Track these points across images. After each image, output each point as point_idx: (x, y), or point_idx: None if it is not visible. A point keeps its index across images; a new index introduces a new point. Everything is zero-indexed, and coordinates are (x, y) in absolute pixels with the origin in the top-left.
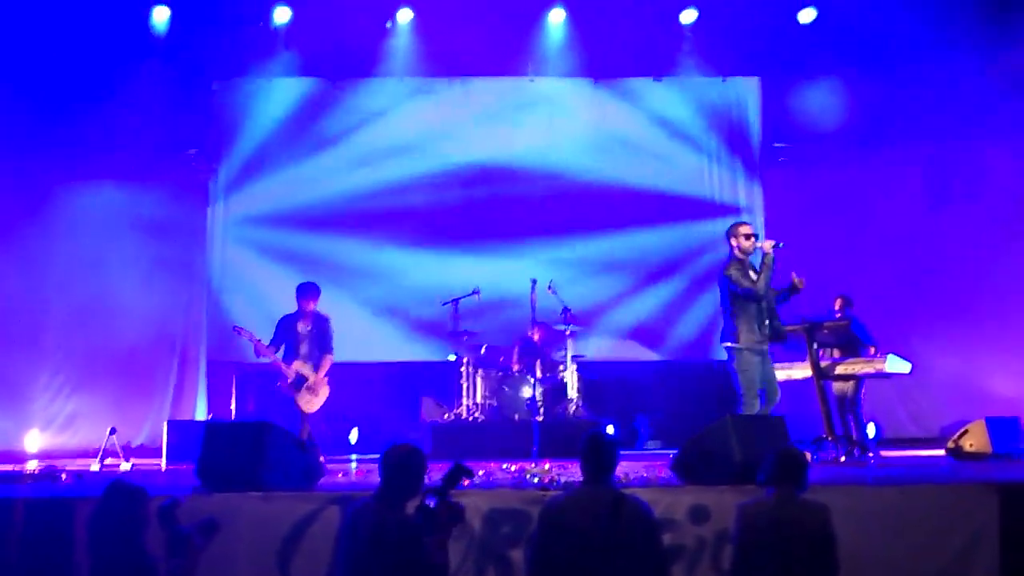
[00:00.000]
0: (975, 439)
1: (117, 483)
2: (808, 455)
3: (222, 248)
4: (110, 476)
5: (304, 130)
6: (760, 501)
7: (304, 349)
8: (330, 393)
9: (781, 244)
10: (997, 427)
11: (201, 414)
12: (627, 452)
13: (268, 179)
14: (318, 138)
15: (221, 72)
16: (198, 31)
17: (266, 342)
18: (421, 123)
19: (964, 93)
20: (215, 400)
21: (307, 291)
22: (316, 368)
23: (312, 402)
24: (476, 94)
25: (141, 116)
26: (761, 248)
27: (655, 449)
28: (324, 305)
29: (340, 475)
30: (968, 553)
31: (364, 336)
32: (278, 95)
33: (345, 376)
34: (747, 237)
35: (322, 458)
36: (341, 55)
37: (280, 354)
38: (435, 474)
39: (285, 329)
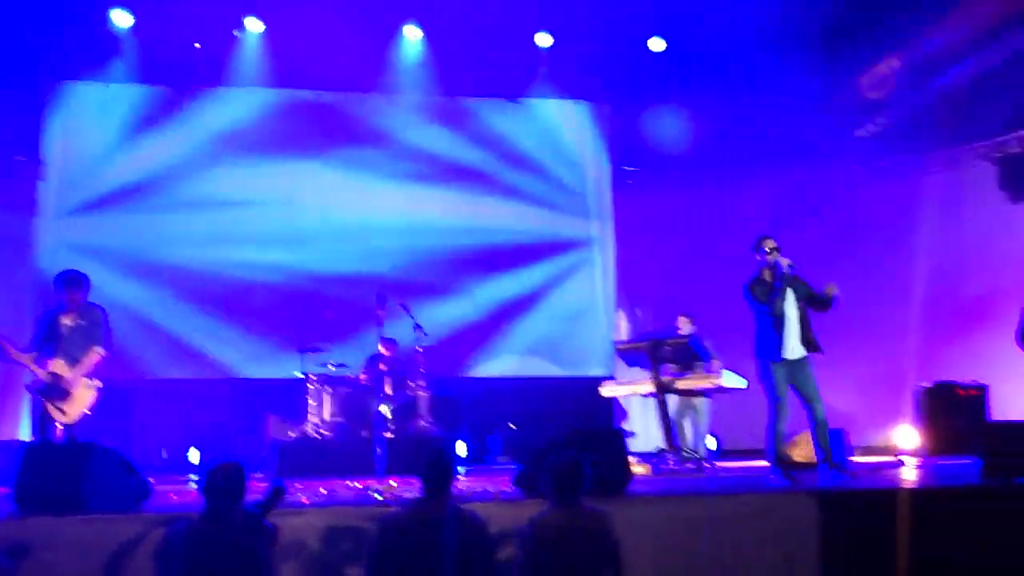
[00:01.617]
0: (802, 449)
1: None
2: (648, 467)
3: (51, 259)
4: None
5: (143, 138)
6: (546, 513)
7: (67, 346)
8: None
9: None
10: None
11: (25, 434)
12: (477, 467)
13: (103, 186)
14: (158, 147)
15: (55, 74)
16: (30, 30)
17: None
18: (266, 135)
19: (801, 119)
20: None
21: (71, 281)
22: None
23: (69, 409)
24: (326, 108)
25: None
26: (779, 263)
27: (505, 465)
28: (167, 319)
29: (172, 495)
30: (791, 558)
31: (206, 352)
32: (116, 101)
33: (187, 393)
34: (771, 251)
35: (153, 480)
36: (185, 63)
37: (30, 357)
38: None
39: (45, 325)
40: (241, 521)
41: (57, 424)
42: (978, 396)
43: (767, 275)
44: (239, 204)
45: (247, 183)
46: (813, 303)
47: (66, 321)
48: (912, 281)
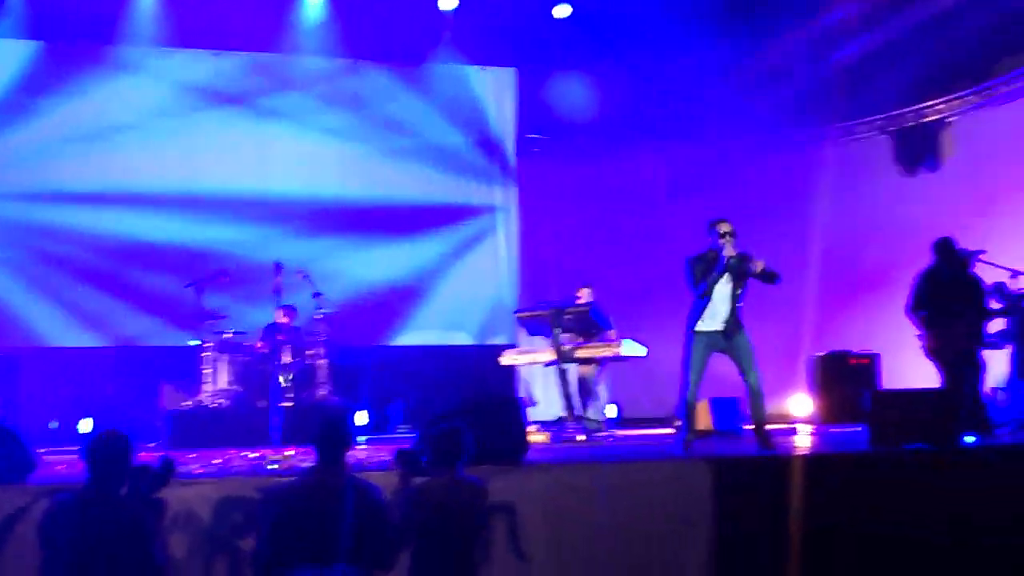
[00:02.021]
0: (700, 418)
1: None
2: (547, 436)
3: None
4: None
5: (27, 97)
6: (426, 482)
7: None
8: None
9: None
10: (719, 407)
11: None
12: (378, 437)
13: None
14: (43, 105)
15: None
16: None
17: None
18: (163, 96)
19: (707, 90)
20: None
21: None
22: None
23: None
24: (227, 68)
25: None
26: (723, 252)
27: (406, 434)
28: (58, 285)
29: (60, 467)
30: (687, 525)
31: (98, 319)
32: (11, 59)
33: (78, 361)
34: (723, 235)
35: (44, 450)
36: (74, 19)
37: None
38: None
39: None
40: (127, 492)
41: None
42: (869, 365)
43: (711, 256)
44: (134, 167)
45: (142, 145)
46: (762, 279)
47: None
48: (808, 252)
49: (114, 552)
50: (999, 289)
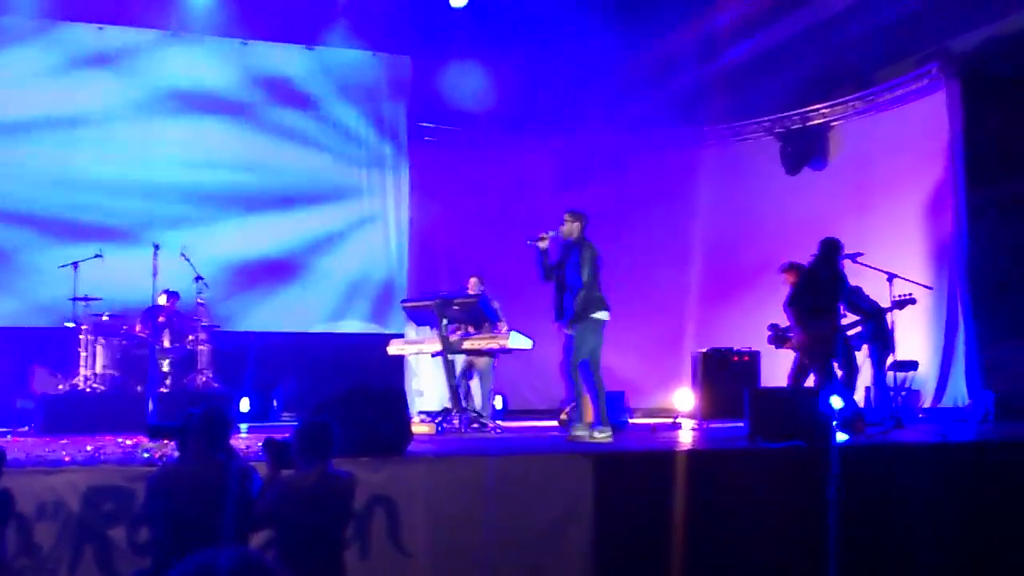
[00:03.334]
0: (584, 412)
1: None
2: (432, 426)
3: None
4: None
5: None
6: (292, 475)
7: None
8: None
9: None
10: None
11: None
12: (260, 424)
13: None
14: None
15: None
16: None
17: None
18: (44, 68)
19: (598, 83)
20: None
21: None
22: None
23: None
24: (109, 43)
25: None
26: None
27: (289, 421)
28: None
29: None
30: (564, 519)
31: None
32: None
33: None
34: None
35: None
36: None
37: None
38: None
39: None
40: None
41: None
42: (750, 362)
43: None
44: (8, 141)
45: (17, 118)
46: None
47: None
48: (692, 249)
49: None
50: (855, 293)
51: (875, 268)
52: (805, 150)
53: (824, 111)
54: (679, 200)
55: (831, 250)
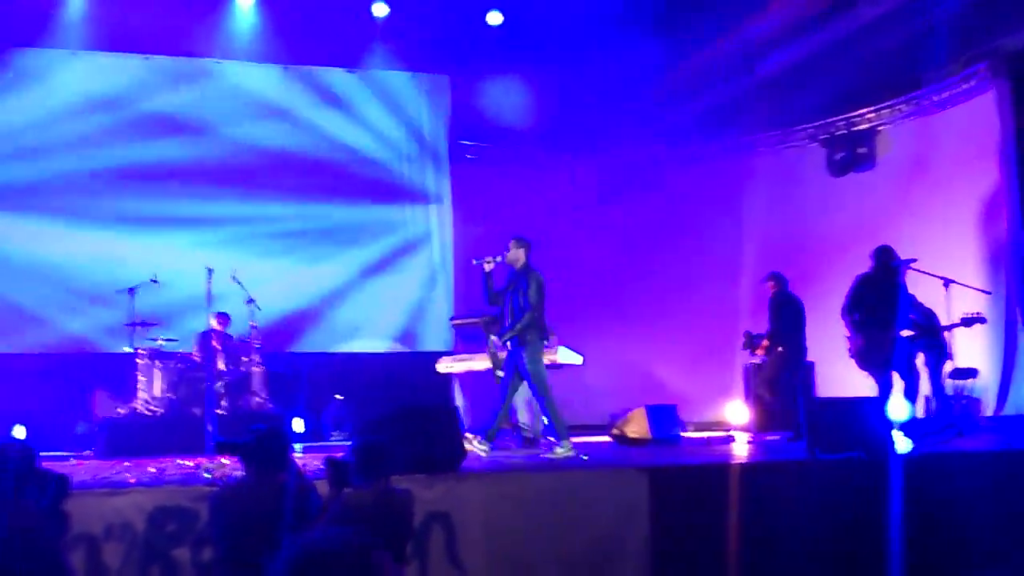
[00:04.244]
0: (636, 425)
1: None
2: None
3: None
4: None
5: None
6: (351, 492)
7: None
8: None
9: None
10: (656, 414)
11: None
12: (314, 444)
13: None
14: None
15: None
16: None
17: None
18: (94, 100)
19: (638, 96)
20: None
21: None
22: None
23: None
24: (158, 73)
25: None
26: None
27: (340, 441)
28: None
29: None
30: (619, 534)
31: (28, 325)
32: None
33: (8, 369)
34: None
35: None
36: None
37: None
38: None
39: None
40: (29, 502)
41: None
42: (804, 373)
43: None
44: (63, 170)
45: (71, 149)
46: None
47: None
48: (741, 258)
49: (18, 560)
50: (911, 303)
51: (931, 274)
52: (852, 155)
53: (870, 115)
54: (725, 210)
55: (886, 257)
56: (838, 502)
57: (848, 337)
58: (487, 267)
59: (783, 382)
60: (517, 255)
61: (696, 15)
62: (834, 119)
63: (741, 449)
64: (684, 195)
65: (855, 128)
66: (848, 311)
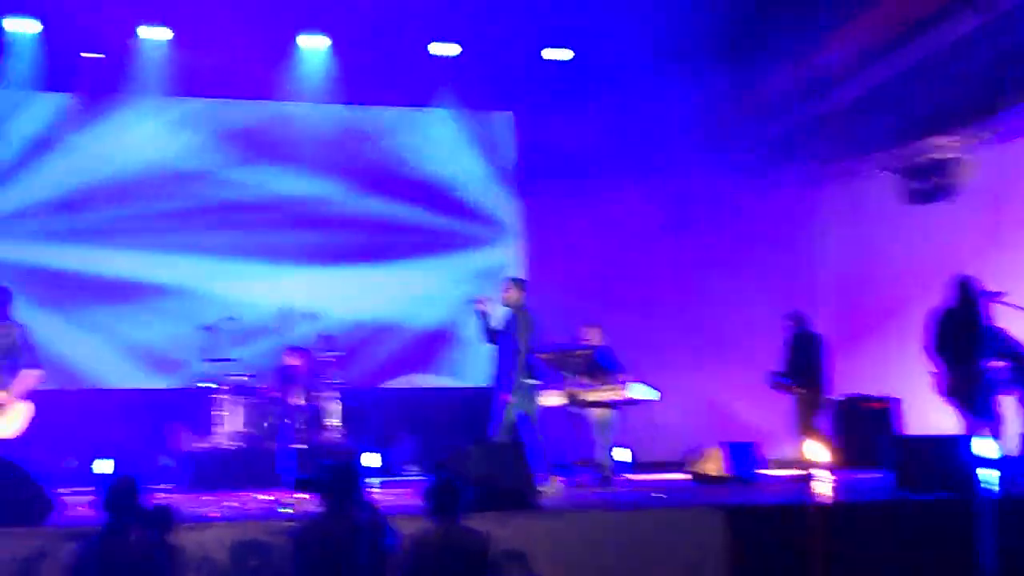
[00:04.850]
0: (713, 463)
1: None
2: (559, 480)
3: None
4: None
5: (45, 144)
6: (425, 530)
7: None
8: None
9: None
10: (734, 452)
11: None
12: (388, 479)
13: (6, 199)
14: (60, 153)
15: None
16: None
17: None
18: (171, 144)
19: (702, 128)
20: None
21: None
22: (2, 386)
23: (5, 426)
24: (229, 116)
25: None
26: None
27: (415, 476)
28: (75, 334)
29: (80, 508)
30: (696, 572)
31: (112, 363)
32: (12, 108)
33: (96, 404)
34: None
35: (63, 491)
36: (86, 70)
37: None
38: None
39: None
40: (140, 538)
41: None
42: (886, 409)
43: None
44: (145, 213)
45: (151, 191)
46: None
47: None
48: (816, 292)
49: None
50: (998, 336)
51: (1021, 308)
52: (930, 184)
53: (946, 143)
54: (797, 241)
55: (967, 288)
56: (925, 543)
57: (934, 373)
58: (480, 307)
59: (813, 421)
60: (512, 295)
61: (765, 42)
62: (908, 146)
63: (822, 488)
64: (755, 226)
65: (930, 156)
66: (932, 346)
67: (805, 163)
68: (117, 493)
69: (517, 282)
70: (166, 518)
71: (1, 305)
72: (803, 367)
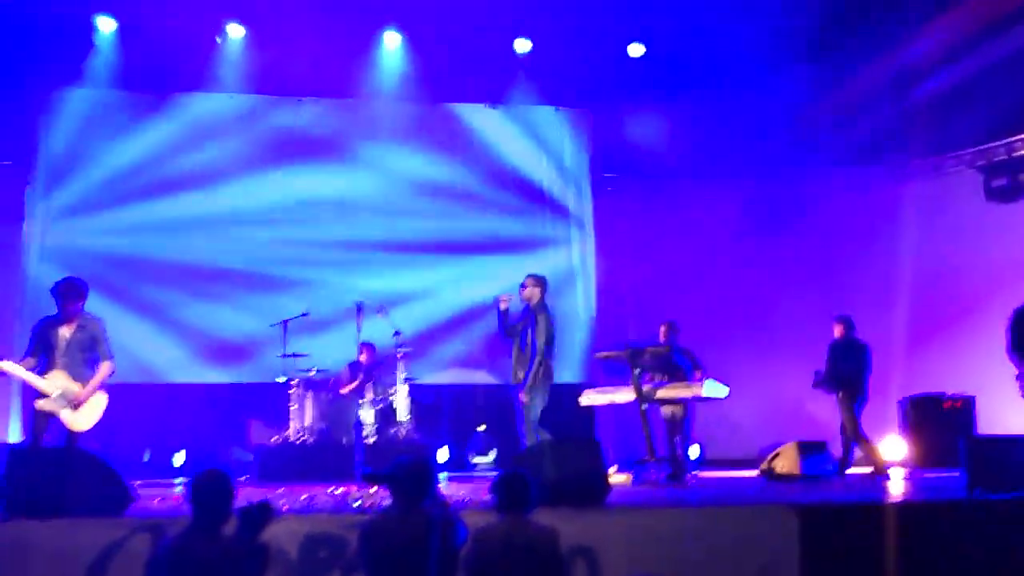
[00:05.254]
0: (786, 461)
1: None
2: (629, 477)
3: (37, 263)
4: None
5: (128, 143)
6: (491, 525)
7: (64, 358)
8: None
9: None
10: (807, 450)
11: (14, 436)
12: (458, 474)
13: (90, 193)
14: (143, 152)
15: (43, 80)
16: (16, 36)
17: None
18: (249, 141)
19: (782, 125)
20: (29, 421)
21: (69, 289)
22: (83, 379)
23: (78, 419)
24: (307, 114)
25: None
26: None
27: (485, 471)
28: (150, 328)
29: (157, 500)
30: (768, 572)
31: (190, 357)
32: (100, 107)
33: (170, 398)
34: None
35: (137, 483)
36: (167, 68)
37: (26, 364)
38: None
39: (41, 336)
40: (230, 535)
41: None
42: (964, 408)
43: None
44: (221, 212)
45: (231, 190)
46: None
47: (63, 332)
48: (898, 289)
49: None
50: None
51: None
52: (1013, 182)
53: None
54: (876, 240)
55: None
56: (1001, 544)
57: (1018, 376)
58: (503, 306)
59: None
60: (533, 293)
61: (847, 40)
62: (993, 145)
63: (897, 487)
64: (833, 224)
65: (1015, 154)
66: (1014, 347)
67: (887, 161)
68: (208, 488)
69: (538, 279)
70: (264, 515)
71: (79, 299)
72: (845, 372)
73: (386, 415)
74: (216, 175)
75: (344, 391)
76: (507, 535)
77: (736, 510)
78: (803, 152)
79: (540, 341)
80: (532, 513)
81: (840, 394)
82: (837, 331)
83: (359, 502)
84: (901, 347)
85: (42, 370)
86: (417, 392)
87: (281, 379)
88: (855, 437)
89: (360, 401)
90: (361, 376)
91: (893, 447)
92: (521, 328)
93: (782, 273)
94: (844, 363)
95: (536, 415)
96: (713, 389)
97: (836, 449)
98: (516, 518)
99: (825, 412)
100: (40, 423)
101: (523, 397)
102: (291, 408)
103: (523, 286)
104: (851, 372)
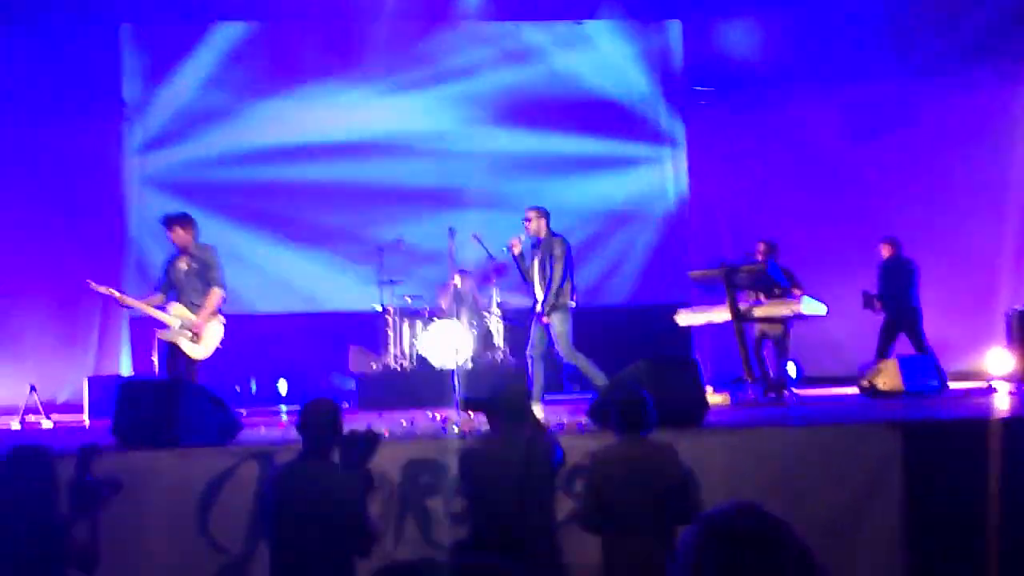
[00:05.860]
0: (887, 378)
1: (18, 446)
2: (727, 397)
3: (139, 195)
4: (30, 434)
5: (230, 75)
6: (609, 446)
7: (185, 289)
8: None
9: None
10: (909, 365)
11: (125, 369)
12: (553, 397)
13: (191, 125)
14: (244, 84)
15: (136, 14)
16: None
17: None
18: (333, 64)
19: (883, 29)
20: (139, 354)
21: (170, 221)
22: (198, 308)
23: (197, 348)
24: (402, 39)
25: (53, 54)
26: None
27: (580, 394)
28: (253, 256)
29: (261, 428)
30: (870, 492)
31: (291, 286)
32: (201, 39)
33: (272, 327)
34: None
35: (243, 411)
36: None
37: (153, 300)
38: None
39: (166, 271)
40: (339, 462)
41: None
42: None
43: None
44: (320, 141)
45: (322, 115)
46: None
47: (180, 265)
48: (1004, 197)
49: (329, 520)
50: None
51: None
52: None
53: None
54: (987, 145)
55: None
56: None
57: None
58: (516, 250)
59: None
60: (539, 225)
61: None
62: None
63: (1003, 401)
64: (939, 131)
65: None
66: None
67: (999, 62)
68: (317, 416)
69: (539, 211)
70: (371, 442)
71: (186, 229)
72: (893, 292)
73: (482, 340)
74: (310, 101)
75: (440, 318)
76: (628, 455)
77: (835, 429)
78: (903, 55)
79: (558, 270)
80: (650, 433)
81: (898, 321)
82: (885, 251)
83: (457, 427)
84: (1008, 258)
85: (168, 304)
86: (511, 317)
87: (378, 307)
88: (881, 352)
89: (455, 326)
90: (457, 302)
91: (998, 360)
92: (540, 261)
93: (884, 182)
94: (895, 283)
95: (567, 336)
96: (811, 307)
97: (955, 362)
98: (635, 438)
99: (933, 325)
100: (167, 354)
101: (546, 319)
102: (388, 335)
103: (527, 220)
104: (900, 291)
